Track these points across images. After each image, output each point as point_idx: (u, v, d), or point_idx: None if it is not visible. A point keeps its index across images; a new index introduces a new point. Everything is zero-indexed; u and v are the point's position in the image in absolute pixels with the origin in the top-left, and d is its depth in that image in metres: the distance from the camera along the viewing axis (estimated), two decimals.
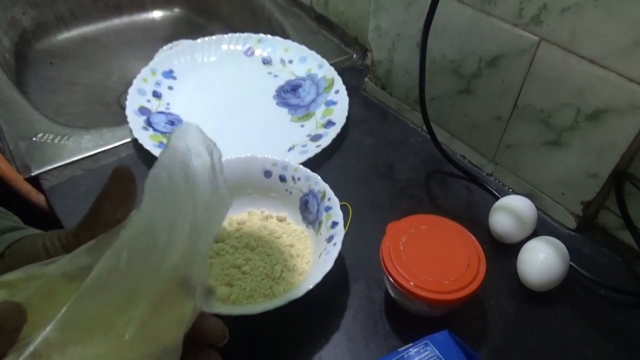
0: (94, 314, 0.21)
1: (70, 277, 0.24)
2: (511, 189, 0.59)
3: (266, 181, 0.52)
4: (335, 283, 0.49)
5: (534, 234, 0.53)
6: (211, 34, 1.12)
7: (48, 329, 0.19)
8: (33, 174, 0.58)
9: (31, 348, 0.19)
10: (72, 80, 0.99)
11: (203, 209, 0.26)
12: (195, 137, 0.27)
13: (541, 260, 0.48)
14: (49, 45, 1.06)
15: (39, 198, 0.56)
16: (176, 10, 1.16)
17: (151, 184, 0.25)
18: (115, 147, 0.63)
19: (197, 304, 0.25)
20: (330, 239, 0.46)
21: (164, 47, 1.03)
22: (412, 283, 0.42)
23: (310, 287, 0.41)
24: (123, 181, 0.28)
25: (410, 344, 0.36)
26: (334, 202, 0.48)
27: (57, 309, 0.20)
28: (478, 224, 0.55)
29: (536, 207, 0.54)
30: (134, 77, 0.69)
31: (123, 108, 0.97)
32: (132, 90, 0.66)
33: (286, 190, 0.52)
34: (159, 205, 0.24)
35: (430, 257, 0.44)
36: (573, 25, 0.45)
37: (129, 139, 0.64)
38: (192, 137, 0.27)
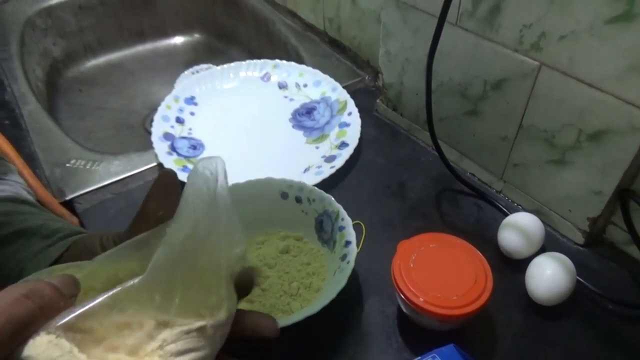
0: (135, 290, 0.24)
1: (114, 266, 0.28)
2: (520, 205, 0.61)
3: (283, 202, 0.56)
4: (350, 299, 0.51)
5: (542, 249, 0.55)
6: (230, 57, 1.17)
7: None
8: (67, 198, 0.62)
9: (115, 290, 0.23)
10: (100, 105, 1.05)
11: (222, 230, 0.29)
12: (220, 167, 0.30)
13: (548, 275, 0.50)
14: (78, 73, 1.12)
15: (72, 221, 0.61)
16: (196, 35, 1.22)
17: (189, 192, 0.28)
18: (142, 171, 0.67)
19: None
20: (344, 257, 0.49)
21: (185, 72, 1.08)
22: (421, 299, 0.44)
23: (326, 303, 0.44)
24: (166, 183, 0.32)
25: (419, 357, 0.38)
26: (347, 222, 0.51)
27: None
28: (487, 241, 0.57)
29: (545, 223, 0.56)
30: (158, 100, 0.74)
31: (147, 131, 1.02)
32: (157, 117, 0.71)
33: (302, 211, 0.55)
34: (198, 211, 0.28)
35: (439, 274, 0.46)
36: (571, 52, 0.47)
37: (154, 163, 0.68)
38: (218, 167, 0.30)
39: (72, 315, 0.22)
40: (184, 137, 0.70)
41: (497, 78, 0.56)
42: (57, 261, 0.36)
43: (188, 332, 0.24)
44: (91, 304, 0.23)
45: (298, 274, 0.51)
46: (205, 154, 0.69)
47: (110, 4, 1.11)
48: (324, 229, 0.54)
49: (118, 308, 0.23)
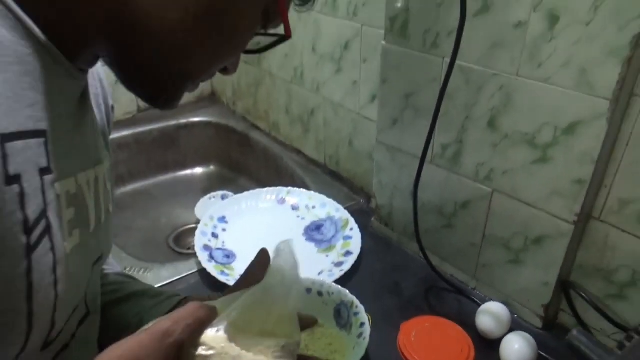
0: (245, 317, 0.39)
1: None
2: (491, 298, 0.78)
3: (307, 296, 0.71)
4: None
5: (511, 330, 0.70)
6: (240, 186, 1.37)
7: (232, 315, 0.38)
8: None
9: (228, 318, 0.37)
10: (129, 225, 1.21)
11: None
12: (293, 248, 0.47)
13: (516, 348, 0.65)
14: None
15: None
16: (212, 167, 1.44)
17: (279, 260, 0.44)
18: (186, 276, 0.82)
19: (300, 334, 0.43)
20: (360, 335, 0.63)
21: (204, 198, 1.27)
22: None
23: None
24: (264, 258, 0.48)
25: None
26: (361, 308, 0.66)
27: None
28: (467, 325, 0.72)
29: (511, 311, 0.72)
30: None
31: (171, 247, 1.17)
32: (197, 233, 0.87)
33: (323, 303, 0.70)
34: (285, 271, 0.43)
35: (433, 345, 0.61)
36: (512, 182, 0.68)
37: (195, 270, 0.83)
38: (293, 248, 0.46)
39: (218, 321, 0.38)
40: (219, 249, 0.87)
41: (463, 200, 0.76)
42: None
43: (283, 346, 0.39)
44: (225, 314, 0.38)
45: (323, 352, 0.64)
46: (237, 262, 0.84)
47: (143, 143, 1.34)
48: (342, 316, 0.69)
49: (239, 319, 0.38)
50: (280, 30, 0.44)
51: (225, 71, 0.45)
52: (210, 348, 0.37)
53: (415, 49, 0.74)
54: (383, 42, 0.79)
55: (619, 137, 0.59)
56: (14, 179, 0.32)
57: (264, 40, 0.46)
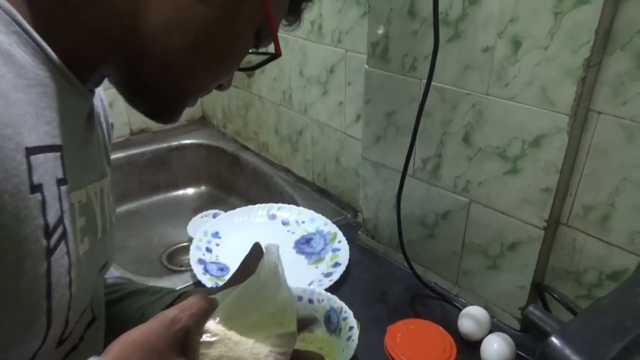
0: (242, 308, 0.42)
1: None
2: (472, 303, 0.82)
3: (299, 304, 0.75)
4: None
5: (490, 332, 0.74)
6: (230, 204, 1.41)
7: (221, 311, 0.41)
8: None
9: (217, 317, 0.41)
10: (123, 245, 1.24)
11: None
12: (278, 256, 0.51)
13: (495, 348, 0.69)
14: None
15: None
16: (203, 187, 1.48)
17: (268, 257, 0.47)
18: (182, 288, 0.85)
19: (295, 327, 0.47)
20: (349, 338, 0.67)
21: (196, 217, 1.31)
22: None
23: None
24: (257, 252, 0.52)
25: None
26: (349, 313, 0.71)
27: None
28: (450, 329, 0.76)
29: (491, 315, 0.76)
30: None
31: (164, 265, 1.20)
32: (192, 247, 0.91)
33: (314, 309, 0.74)
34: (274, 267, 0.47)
35: (418, 345, 0.65)
36: (487, 192, 0.74)
37: (190, 282, 0.86)
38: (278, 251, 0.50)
39: (218, 312, 0.42)
40: (213, 262, 0.90)
41: (443, 210, 0.81)
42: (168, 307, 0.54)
43: (281, 336, 0.43)
44: (223, 304, 0.42)
45: None
46: (230, 275, 0.88)
47: (136, 165, 1.37)
48: (331, 322, 0.72)
49: (236, 310, 0.42)
50: (271, 49, 0.49)
51: (220, 87, 0.50)
52: (214, 335, 0.41)
53: (395, 72, 0.80)
54: (366, 66, 0.85)
55: (579, 149, 0.65)
56: (36, 188, 0.36)
57: (255, 59, 0.51)
